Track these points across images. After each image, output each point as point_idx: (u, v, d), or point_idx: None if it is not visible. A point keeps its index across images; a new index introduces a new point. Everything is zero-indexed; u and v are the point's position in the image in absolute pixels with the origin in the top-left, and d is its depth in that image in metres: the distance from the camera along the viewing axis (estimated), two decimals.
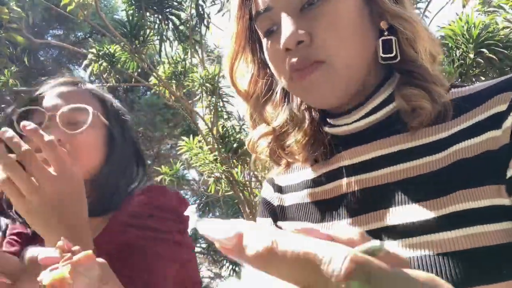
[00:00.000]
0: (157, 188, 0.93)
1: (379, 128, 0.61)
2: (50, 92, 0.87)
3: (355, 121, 0.62)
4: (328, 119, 0.66)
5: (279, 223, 0.71)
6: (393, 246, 0.53)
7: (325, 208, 0.64)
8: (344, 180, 0.63)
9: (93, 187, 0.81)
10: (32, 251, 0.63)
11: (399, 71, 0.60)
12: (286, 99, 0.70)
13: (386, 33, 0.59)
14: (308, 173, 0.70)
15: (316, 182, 0.68)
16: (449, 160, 0.54)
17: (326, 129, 0.66)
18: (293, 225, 0.26)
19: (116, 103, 0.96)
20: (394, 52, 0.58)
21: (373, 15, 0.59)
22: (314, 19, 0.57)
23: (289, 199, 0.72)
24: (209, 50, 4.35)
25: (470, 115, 0.55)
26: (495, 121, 0.51)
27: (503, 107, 0.51)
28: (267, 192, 0.77)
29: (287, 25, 0.57)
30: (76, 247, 0.56)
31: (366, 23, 0.58)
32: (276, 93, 0.69)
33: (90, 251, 0.53)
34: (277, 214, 0.73)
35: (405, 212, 0.54)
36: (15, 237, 0.93)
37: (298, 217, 0.68)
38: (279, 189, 0.74)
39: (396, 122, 0.59)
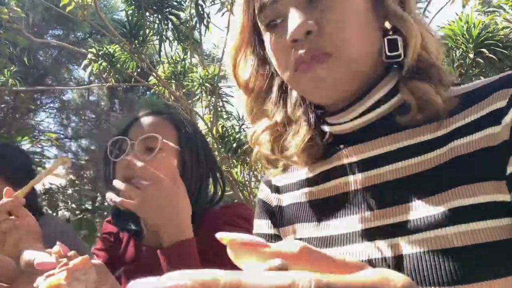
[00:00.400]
0: (242, 204, 1.15)
1: (380, 125, 0.61)
2: (135, 123, 1.07)
3: (356, 117, 0.62)
4: (327, 118, 0.66)
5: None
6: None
7: (325, 207, 0.65)
8: (345, 179, 0.63)
9: None
10: (29, 255, 0.63)
11: (400, 68, 0.60)
12: (282, 101, 0.69)
13: (391, 32, 0.59)
14: (305, 172, 0.70)
15: (313, 181, 0.68)
16: (447, 156, 0.54)
17: (326, 128, 0.66)
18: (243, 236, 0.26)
19: (192, 128, 1.11)
20: (399, 51, 0.58)
21: (377, 13, 0.59)
22: (323, 11, 0.57)
23: (286, 199, 0.72)
24: (206, 54, 4.34)
25: (469, 112, 0.55)
26: (495, 118, 0.51)
27: (502, 103, 0.51)
28: (264, 193, 0.77)
29: (295, 16, 0.56)
30: (72, 252, 0.56)
31: (371, 20, 0.59)
32: (273, 92, 0.69)
33: (86, 256, 0.53)
34: (276, 214, 0.73)
35: (406, 210, 0.55)
36: (106, 236, 1.17)
37: (296, 217, 0.68)
38: (277, 190, 0.74)
39: (396, 119, 0.59)
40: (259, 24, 0.63)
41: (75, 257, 0.55)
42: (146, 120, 1.07)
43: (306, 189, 0.69)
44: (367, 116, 0.61)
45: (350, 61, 0.57)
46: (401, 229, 0.54)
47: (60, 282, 0.50)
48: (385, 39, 0.59)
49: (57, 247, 0.58)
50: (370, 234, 0.57)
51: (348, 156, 0.63)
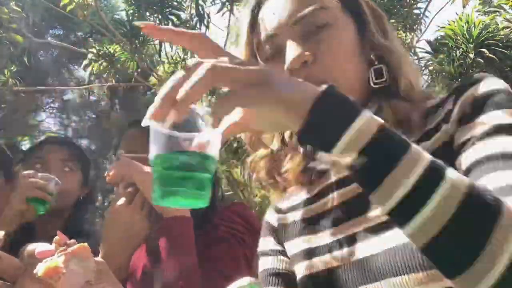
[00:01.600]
0: (240, 203, 1.25)
1: None
2: (125, 135, 1.21)
3: None
4: None
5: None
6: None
7: (317, 222, 0.72)
8: (331, 195, 0.71)
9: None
10: (30, 247, 0.64)
11: (383, 94, 0.68)
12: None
13: (376, 62, 0.67)
14: (306, 192, 0.78)
15: (311, 200, 0.75)
16: None
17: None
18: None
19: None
20: (385, 78, 0.66)
21: (364, 45, 0.68)
22: (317, 44, 0.64)
23: (290, 218, 0.79)
24: None
25: (432, 119, 0.64)
26: (447, 118, 0.62)
27: (450, 106, 0.62)
28: (270, 217, 0.84)
29: (292, 48, 0.64)
30: (72, 240, 0.58)
31: (359, 52, 0.68)
32: None
33: (85, 244, 0.54)
34: (280, 232, 0.80)
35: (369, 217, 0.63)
36: None
37: (296, 233, 0.75)
38: (280, 211, 0.82)
39: None
40: (258, 57, 0.70)
41: (73, 245, 0.57)
42: (130, 133, 1.21)
43: (306, 208, 0.76)
44: None
45: (344, 90, 0.62)
46: (371, 232, 0.62)
47: (58, 264, 0.50)
48: (372, 69, 0.67)
49: (57, 236, 0.59)
50: (344, 242, 0.66)
51: (336, 173, 0.71)
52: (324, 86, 0.47)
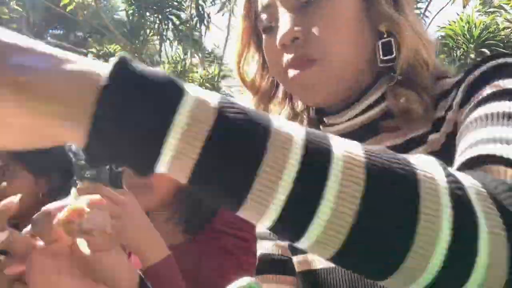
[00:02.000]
0: None
1: (371, 126, 0.62)
2: None
3: (348, 119, 0.63)
4: (324, 118, 0.66)
5: None
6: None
7: None
8: None
9: (178, 206, 1.04)
10: (43, 208, 0.61)
11: (393, 72, 0.60)
12: (288, 98, 0.70)
13: (385, 35, 0.59)
14: None
15: None
16: (425, 151, 0.57)
17: (322, 128, 0.68)
18: None
19: None
20: (394, 54, 0.58)
21: (370, 16, 0.59)
22: (312, 16, 0.58)
23: None
24: (207, 52, 4.35)
25: (444, 105, 0.57)
26: (451, 105, 0.55)
27: (457, 90, 0.55)
28: None
29: (284, 22, 0.58)
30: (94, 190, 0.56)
31: (363, 23, 0.59)
32: (279, 91, 0.70)
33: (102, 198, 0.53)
34: None
35: None
36: None
37: None
38: None
39: (387, 120, 0.61)
40: (259, 27, 0.65)
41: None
42: None
43: None
44: (358, 118, 0.62)
45: (336, 67, 0.58)
46: None
47: (82, 206, 0.49)
48: (379, 43, 0.59)
49: (74, 190, 0.58)
50: None
51: None
52: (112, 61, 0.29)
